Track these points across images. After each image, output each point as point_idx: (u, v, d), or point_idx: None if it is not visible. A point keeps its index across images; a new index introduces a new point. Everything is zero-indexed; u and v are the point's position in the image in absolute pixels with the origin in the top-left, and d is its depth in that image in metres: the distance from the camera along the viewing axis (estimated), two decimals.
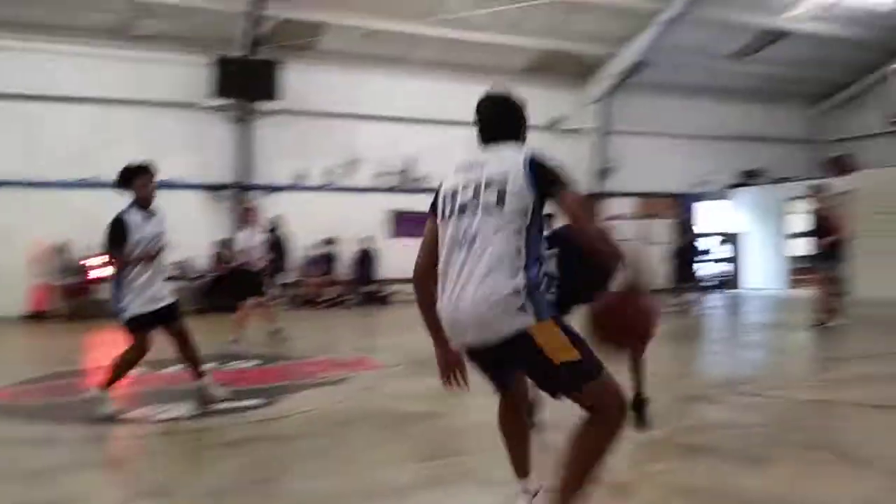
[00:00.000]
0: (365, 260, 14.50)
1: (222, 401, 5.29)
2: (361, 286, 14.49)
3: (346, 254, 14.43)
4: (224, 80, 13.34)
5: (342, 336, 10.77)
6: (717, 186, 17.30)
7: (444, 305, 2.53)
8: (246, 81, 13.45)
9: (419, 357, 6.37)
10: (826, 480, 3.44)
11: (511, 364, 2.59)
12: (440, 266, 2.56)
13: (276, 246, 13.37)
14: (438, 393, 2.93)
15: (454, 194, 2.57)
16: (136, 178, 5.19)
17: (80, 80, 12.66)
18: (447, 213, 2.58)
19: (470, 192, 2.51)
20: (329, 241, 14.21)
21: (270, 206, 13.79)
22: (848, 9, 15.19)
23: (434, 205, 2.65)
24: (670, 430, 4.32)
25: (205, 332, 10.75)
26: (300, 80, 13.98)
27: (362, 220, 14.48)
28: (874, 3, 15.01)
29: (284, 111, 14.00)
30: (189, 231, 12.99)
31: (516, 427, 2.86)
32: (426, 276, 2.68)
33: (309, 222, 13.43)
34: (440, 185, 2.68)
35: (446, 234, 2.56)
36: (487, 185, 2.49)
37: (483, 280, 2.41)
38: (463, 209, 2.52)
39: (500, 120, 2.70)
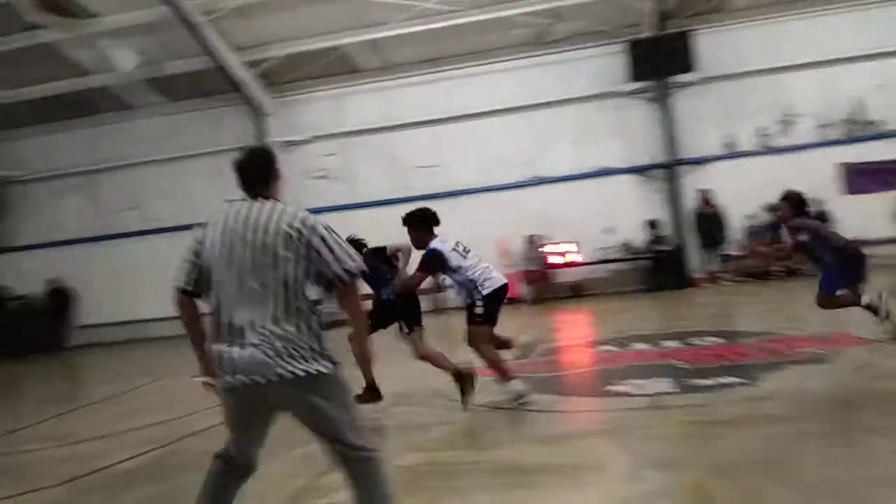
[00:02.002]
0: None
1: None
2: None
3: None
4: (638, 63, 13.55)
5: (809, 310, 9.82)
6: None
7: None
8: (659, 59, 13.44)
9: None
10: None
11: None
12: None
13: (710, 219, 13.19)
14: None
15: None
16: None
17: (514, 91, 14.23)
18: None
19: None
20: (774, 209, 13.22)
21: (699, 180, 13.61)
22: None
23: None
24: None
25: (651, 311, 11.29)
26: (713, 45, 13.46)
27: (806, 180, 13.05)
28: None
29: (701, 80, 13.60)
30: (623, 213, 13.67)
31: None
32: None
33: (744, 190, 12.84)
34: None
35: None
36: None
37: None
38: None
39: None
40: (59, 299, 15.47)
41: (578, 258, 13.75)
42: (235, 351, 2.55)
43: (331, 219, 12.16)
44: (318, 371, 2.55)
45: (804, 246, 6.29)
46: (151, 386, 8.75)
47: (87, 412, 7.77)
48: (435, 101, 14.48)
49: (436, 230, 5.53)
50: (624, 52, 13.62)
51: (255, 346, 2.52)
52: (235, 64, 13.72)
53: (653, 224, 13.49)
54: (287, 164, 14.61)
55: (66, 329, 15.49)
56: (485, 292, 5.37)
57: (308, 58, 14.05)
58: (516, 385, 5.36)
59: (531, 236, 13.81)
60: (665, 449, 4.09)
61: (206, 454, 5.09)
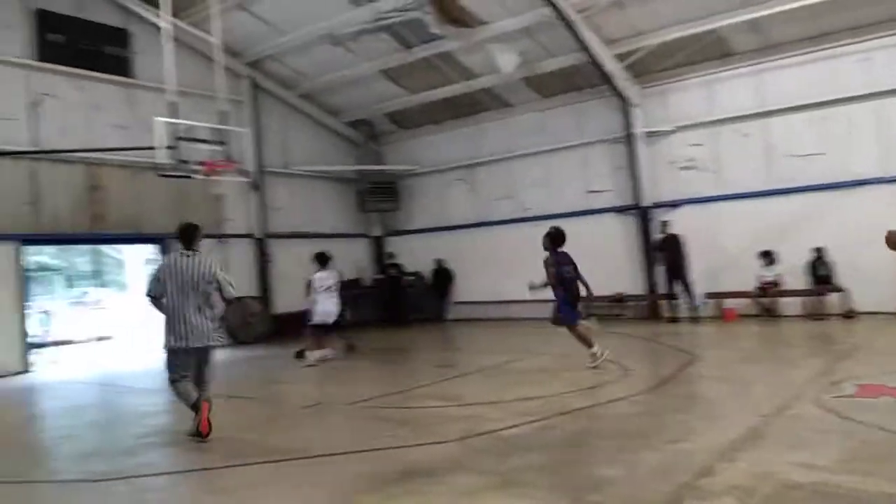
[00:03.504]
0: None
1: None
2: None
3: None
4: None
5: None
6: None
7: None
8: None
9: None
10: None
11: None
12: None
13: None
14: None
15: None
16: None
17: None
18: None
19: None
20: None
21: None
22: None
23: None
24: None
25: None
26: None
27: None
28: None
29: None
30: None
31: None
32: None
33: None
34: None
35: None
36: None
37: None
38: None
39: None
40: (442, 277, 17.64)
41: None
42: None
43: (696, 212, 11.89)
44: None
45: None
46: (519, 363, 9.48)
47: (469, 380, 8.75)
48: (819, 82, 12.80)
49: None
50: None
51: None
52: (606, 57, 13.93)
53: None
54: (651, 155, 14.67)
55: (446, 304, 17.61)
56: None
57: (678, 45, 13.60)
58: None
59: None
60: None
61: (580, 433, 5.41)
